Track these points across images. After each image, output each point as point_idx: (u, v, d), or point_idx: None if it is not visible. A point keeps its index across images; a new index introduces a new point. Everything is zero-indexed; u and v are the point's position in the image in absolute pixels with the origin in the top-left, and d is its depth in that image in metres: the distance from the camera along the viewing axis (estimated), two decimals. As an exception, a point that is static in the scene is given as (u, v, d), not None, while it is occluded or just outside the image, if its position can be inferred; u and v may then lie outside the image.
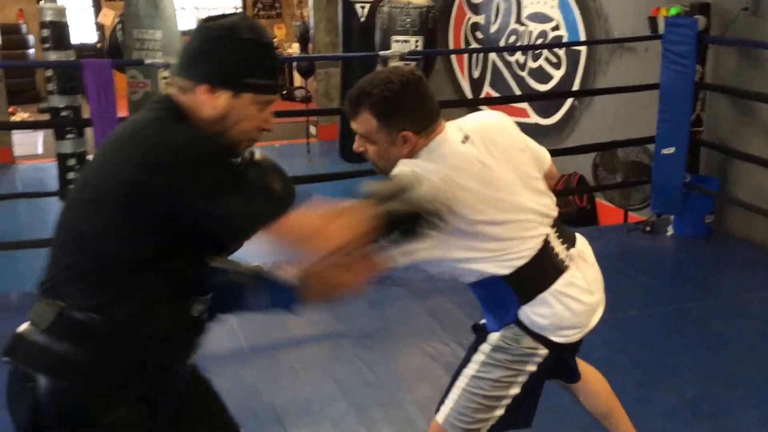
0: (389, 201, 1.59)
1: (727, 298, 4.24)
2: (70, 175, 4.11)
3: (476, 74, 7.64)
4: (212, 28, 1.52)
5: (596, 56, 6.16)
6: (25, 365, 1.50)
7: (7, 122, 7.66)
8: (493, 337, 2.07)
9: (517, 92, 7.01)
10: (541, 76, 6.69)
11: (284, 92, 11.44)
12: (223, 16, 1.55)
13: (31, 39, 11.57)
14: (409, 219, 1.62)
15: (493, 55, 7.29)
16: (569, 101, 6.50)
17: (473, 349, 2.13)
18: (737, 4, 4.84)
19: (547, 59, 6.61)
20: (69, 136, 4.04)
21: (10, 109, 8.51)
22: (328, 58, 8.63)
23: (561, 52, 6.42)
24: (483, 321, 2.18)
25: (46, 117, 5.60)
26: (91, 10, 12.43)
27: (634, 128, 5.44)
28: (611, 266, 4.76)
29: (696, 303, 4.14)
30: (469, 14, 7.69)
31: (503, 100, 7.14)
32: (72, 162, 4.09)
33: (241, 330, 3.71)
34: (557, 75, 6.55)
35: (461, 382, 2.12)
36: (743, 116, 4.95)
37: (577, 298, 2.06)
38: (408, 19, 5.72)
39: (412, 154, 1.96)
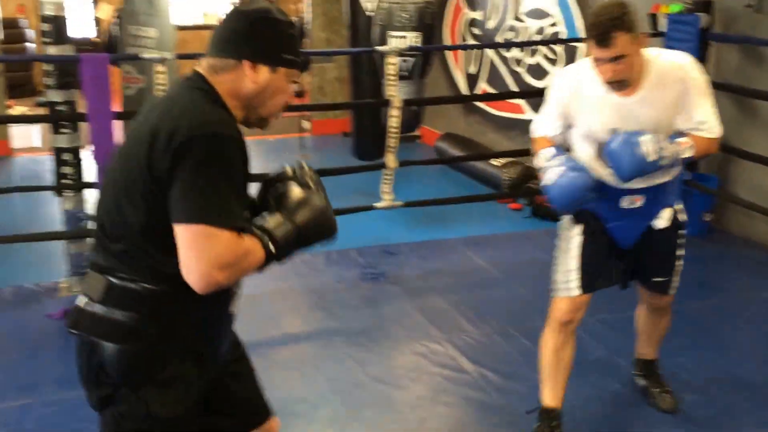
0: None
1: (726, 298, 4.19)
2: (66, 170, 4.06)
3: (472, 70, 7.59)
4: (249, 12, 1.69)
5: (595, 53, 6.10)
6: (87, 334, 1.65)
7: (4, 116, 7.61)
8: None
9: (514, 88, 6.95)
10: (538, 72, 6.64)
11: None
12: (253, 2, 1.72)
13: (31, 33, 11.51)
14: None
15: (489, 51, 7.24)
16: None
17: (679, 234, 2.72)
18: (741, 0, 4.79)
19: (544, 56, 6.56)
20: (65, 130, 3.98)
21: (8, 103, 8.46)
22: (324, 53, 8.59)
23: (559, 48, 6.37)
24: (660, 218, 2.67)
25: (43, 110, 5.54)
26: (92, 5, 12.37)
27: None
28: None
29: (695, 303, 4.08)
30: (465, 10, 7.64)
31: (499, 97, 7.11)
32: (68, 156, 4.04)
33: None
34: (554, 71, 6.50)
35: (678, 263, 2.76)
36: (745, 114, 4.90)
37: None
38: (406, 15, 5.66)
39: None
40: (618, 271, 2.79)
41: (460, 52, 7.82)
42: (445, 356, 3.53)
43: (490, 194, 6.19)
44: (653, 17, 5.11)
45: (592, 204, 2.64)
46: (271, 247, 1.63)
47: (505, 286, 4.36)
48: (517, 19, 6.84)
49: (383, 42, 5.66)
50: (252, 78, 1.68)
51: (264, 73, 1.68)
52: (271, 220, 1.66)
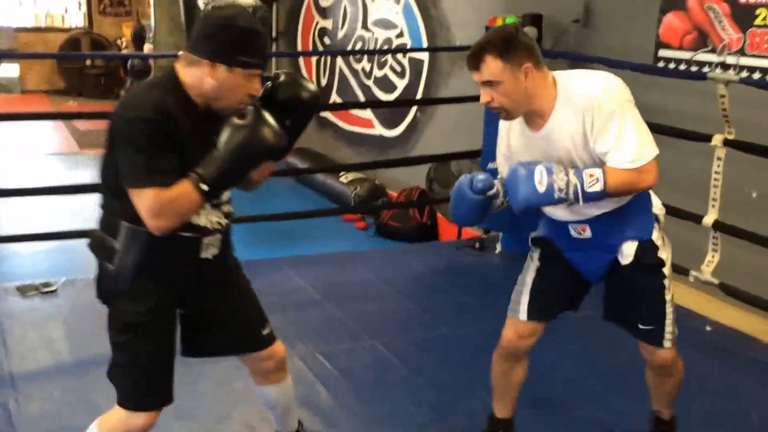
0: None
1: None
2: None
3: (324, 81, 7.38)
4: (214, 16, 1.99)
5: (438, 66, 5.99)
6: (94, 254, 2.12)
7: None
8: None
9: (363, 100, 6.80)
10: (387, 85, 6.49)
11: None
12: (226, 6, 2.01)
13: None
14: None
15: (340, 62, 7.07)
16: (412, 113, 6.31)
17: (655, 274, 2.40)
18: (570, 15, 4.74)
19: (391, 68, 6.41)
20: None
21: None
22: (147, 56, 8.23)
23: (405, 61, 6.23)
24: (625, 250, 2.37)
25: None
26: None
27: (472, 141, 5.27)
28: (432, 284, 4.61)
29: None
30: (317, 18, 7.44)
31: (347, 107, 6.98)
32: None
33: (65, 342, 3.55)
34: (401, 85, 6.36)
35: (669, 309, 2.42)
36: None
37: None
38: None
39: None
40: (579, 299, 2.55)
41: (312, 62, 7.62)
42: (239, 385, 3.22)
43: (327, 209, 5.99)
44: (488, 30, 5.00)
45: (549, 231, 2.46)
46: (202, 186, 1.94)
47: (320, 307, 4.10)
48: (366, 28, 6.67)
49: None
50: (211, 75, 1.96)
51: (221, 71, 1.95)
52: (204, 162, 1.96)
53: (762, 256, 3.71)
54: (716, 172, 3.73)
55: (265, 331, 2.35)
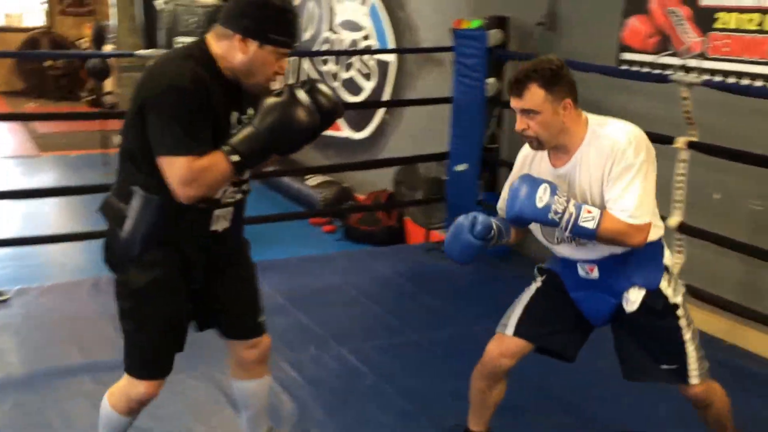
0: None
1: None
2: None
3: (290, 83, 7.32)
4: None
5: (405, 69, 5.98)
6: (105, 218, 2.15)
7: None
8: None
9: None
10: (353, 87, 6.45)
11: (92, 97, 10.74)
12: None
13: None
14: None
15: (306, 65, 7.02)
16: (380, 115, 6.29)
17: (667, 318, 2.37)
18: (535, 18, 4.74)
19: (358, 70, 6.38)
20: None
21: None
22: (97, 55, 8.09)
23: (372, 63, 6.20)
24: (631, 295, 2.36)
25: None
26: None
27: (440, 144, 5.26)
28: (401, 288, 4.58)
29: (482, 326, 3.85)
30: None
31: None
32: None
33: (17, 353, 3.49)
34: (368, 87, 6.33)
35: (690, 347, 2.38)
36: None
37: None
38: (193, 19, 5.29)
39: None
40: (574, 343, 2.51)
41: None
42: (205, 394, 3.18)
43: (294, 213, 5.94)
44: (455, 32, 4.99)
45: (557, 267, 2.49)
46: (233, 157, 1.96)
47: (286, 313, 4.05)
48: (332, 30, 6.63)
49: (169, 48, 5.28)
50: (242, 50, 2.00)
51: (252, 47, 1.99)
52: (239, 134, 1.99)
53: (725, 257, 3.75)
54: (680, 175, 3.75)
55: (260, 319, 2.38)
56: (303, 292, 4.36)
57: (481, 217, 2.32)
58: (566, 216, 2.19)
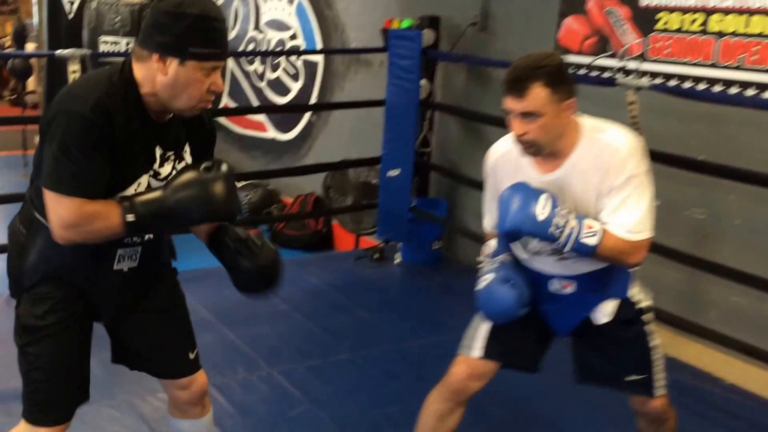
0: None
1: (449, 335, 3.86)
2: None
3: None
4: (159, 5, 1.73)
5: (333, 69, 5.77)
6: (9, 241, 1.98)
7: None
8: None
9: (256, 104, 6.52)
10: (280, 88, 6.22)
11: (14, 96, 10.27)
12: None
13: None
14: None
15: (231, 64, 6.75)
16: (307, 117, 6.07)
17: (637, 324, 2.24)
18: (467, 18, 4.60)
19: (285, 70, 6.15)
20: None
21: None
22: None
23: (299, 63, 5.99)
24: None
25: None
26: None
27: (369, 147, 5.07)
28: (332, 300, 4.35)
29: (416, 342, 3.77)
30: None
31: (240, 112, 6.71)
32: None
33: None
34: (295, 87, 6.11)
35: (656, 355, 2.25)
36: (472, 138, 4.70)
37: None
38: (117, 18, 4.99)
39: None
40: (539, 355, 2.34)
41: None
42: (124, 427, 2.90)
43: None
44: (385, 33, 4.81)
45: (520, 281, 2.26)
46: (129, 216, 1.75)
47: (212, 330, 3.80)
48: (258, 29, 6.38)
49: (93, 47, 4.97)
50: (161, 71, 1.73)
51: (173, 66, 1.72)
52: (146, 194, 1.79)
53: (664, 267, 3.66)
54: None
55: (190, 356, 2.15)
56: (229, 305, 4.08)
57: (524, 291, 2.15)
58: (567, 230, 1.99)
